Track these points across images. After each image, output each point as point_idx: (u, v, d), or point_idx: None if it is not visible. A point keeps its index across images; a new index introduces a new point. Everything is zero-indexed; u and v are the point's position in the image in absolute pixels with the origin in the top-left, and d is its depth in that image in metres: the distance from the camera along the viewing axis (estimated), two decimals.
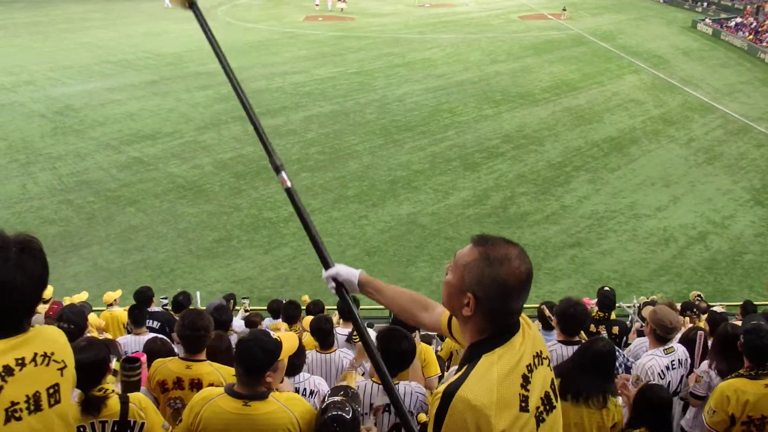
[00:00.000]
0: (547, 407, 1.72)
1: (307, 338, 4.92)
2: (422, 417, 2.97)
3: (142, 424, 2.61)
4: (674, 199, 16.06)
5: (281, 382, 2.96)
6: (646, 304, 7.27)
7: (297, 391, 3.53)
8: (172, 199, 15.64)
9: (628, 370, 4.14)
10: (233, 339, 4.67)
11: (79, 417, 2.52)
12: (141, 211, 15.02)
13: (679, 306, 6.90)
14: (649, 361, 3.90)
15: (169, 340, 4.95)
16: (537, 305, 5.34)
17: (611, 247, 13.73)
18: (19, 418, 1.70)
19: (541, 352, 1.76)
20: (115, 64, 29.17)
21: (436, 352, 5.19)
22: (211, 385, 3.19)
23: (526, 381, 1.65)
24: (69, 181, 16.72)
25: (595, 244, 13.85)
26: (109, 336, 5.69)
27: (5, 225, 10.11)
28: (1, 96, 24.15)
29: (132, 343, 5.21)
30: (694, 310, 7.33)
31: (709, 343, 4.49)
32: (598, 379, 3.23)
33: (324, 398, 2.75)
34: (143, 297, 6.24)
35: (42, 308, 5.43)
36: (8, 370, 1.69)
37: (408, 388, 3.24)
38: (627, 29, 37.85)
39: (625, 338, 5.78)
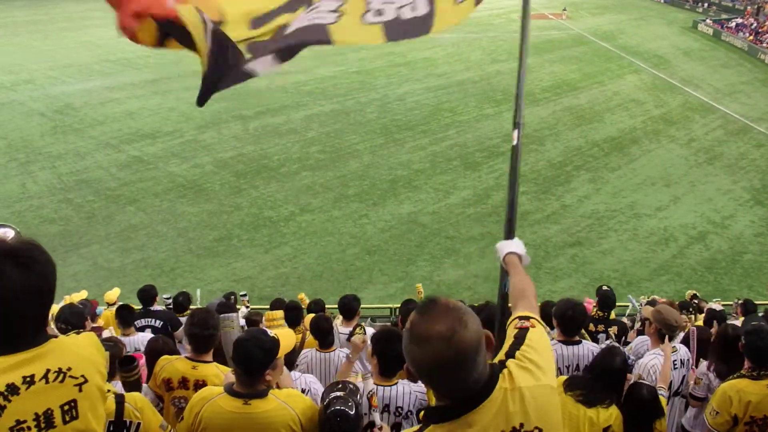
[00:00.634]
0: None
1: (310, 338, 4.90)
2: None
3: (138, 424, 2.58)
4: (674, 199, 16.06)
5: (281, 374, 2.95)
6: (646, 303, 7.25)
7: None
8: (172, 198, 15.63)
9: (629, 369, 4.12)
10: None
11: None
12: (141, 210, 15.01)
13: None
14: (651, 360, 3.89)
15: (171, 340, 4.93)
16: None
17: (611, 247, 13.73)
18: None
19: (522, 425, 1.50)
20: (115, 62, 29.18)
21: None
22: None
23: None
24: (69, 180, 16.71)
25: (596, 244, 13.85)
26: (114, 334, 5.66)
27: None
28: (0, 95, 24.14)
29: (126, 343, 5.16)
30: (691, 309, 7.32)
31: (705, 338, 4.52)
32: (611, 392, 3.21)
33: (324, 394, 2.74)
34: (147, 296, 6.20)
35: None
36: (12, 389, 1.63)
37: (408, 387, 3.24)
38: (627, 29, 37.85)
39: (624, 337, 5.77)
